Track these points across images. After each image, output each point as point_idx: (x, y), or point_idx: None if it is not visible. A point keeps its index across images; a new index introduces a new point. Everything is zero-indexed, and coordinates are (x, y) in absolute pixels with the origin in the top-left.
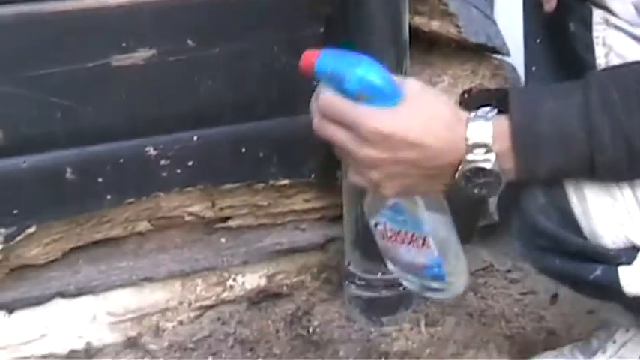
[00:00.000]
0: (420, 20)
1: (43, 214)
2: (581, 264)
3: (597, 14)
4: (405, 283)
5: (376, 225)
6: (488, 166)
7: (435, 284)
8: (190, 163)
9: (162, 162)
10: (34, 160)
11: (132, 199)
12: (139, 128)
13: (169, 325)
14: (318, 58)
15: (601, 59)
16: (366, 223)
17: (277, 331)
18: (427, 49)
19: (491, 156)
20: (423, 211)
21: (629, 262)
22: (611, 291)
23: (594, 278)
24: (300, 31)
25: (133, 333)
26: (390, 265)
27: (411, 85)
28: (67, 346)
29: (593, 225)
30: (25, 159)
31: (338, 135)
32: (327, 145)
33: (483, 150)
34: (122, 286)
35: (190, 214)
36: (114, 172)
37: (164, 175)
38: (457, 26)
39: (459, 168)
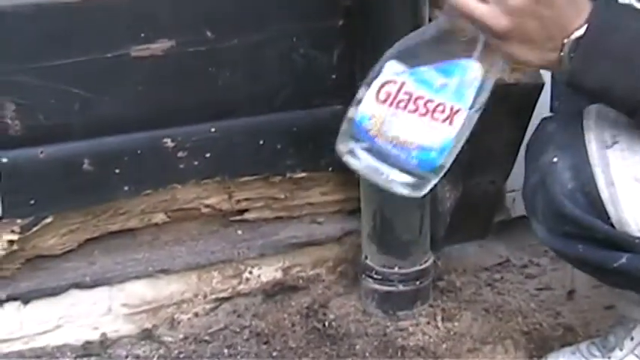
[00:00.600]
0: (440, 14)
1: (60, 205)
2: (607, 251)
3: None
4: (353, 162)
5: (383, 85)
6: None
7: (408, 177)
8: (208, 155)
9: (180, 153)
10: (51, 150)
11: (149, 191)
12: (156, 119)
13: (185, 317)
14: None
15: None
16: (383, 217)
17: (293, 325)
18: None
19: None
20: (483, 82)
21: None
22: (634, 280)
23: (619, 266)
24: (319, 23)
25: (148, 325)
26: (352, 141)
27: None
28: (82, 338)
29: (621, 212)
30: (43, 149)
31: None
32: None
33: None
34: (138, 277)
35: (207, 206)
36: (131, 164)
37: (181, 166)
38: None
39: (573, 34)
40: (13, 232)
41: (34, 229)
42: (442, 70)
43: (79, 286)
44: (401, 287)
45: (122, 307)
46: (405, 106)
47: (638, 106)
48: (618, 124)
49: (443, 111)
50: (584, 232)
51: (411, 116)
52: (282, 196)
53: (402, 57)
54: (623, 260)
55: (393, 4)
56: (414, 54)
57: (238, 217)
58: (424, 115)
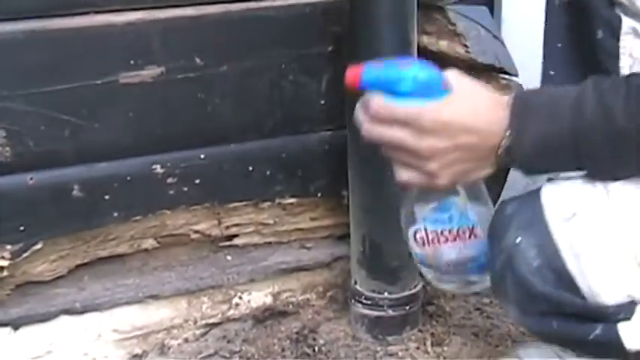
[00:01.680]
0: (428, 40)
1: (50, 231)
2: (580, 325)
3: (626, 23)
4: (443, 286)
5: (415, 234)
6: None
7: (476, 277)
8: (197, 181)
9: (169, 180)
10: (41, 176)
11: (138, 217)
12: (146, 146)
13: (175, 342)
14: (364, 70)
15: (626, 69)
16: (372, 243)
17: (283, 350)
18: None
19: None
20: (467, 202)
21: (628, 318)
22: (612, 349)
23: (594, 337)
24: (308, 49)
25: (138, 350)
26: (429, 273)
27: (454, 77)
28: None
29: (590, 282)
30: (32, 175)
31: (395, 133)
32: (334, 163)
33: None
34: (128, 303)
35: (196, 231)
36: (121, 190)
37: (171, 192)
38: (465, 46)
39: (502, 143)
40: (3, 258)
41: (24, 255)
42: (442, 209)
43: (68, 312)
44: (390, 312)
45: (112, 332)
46: (439, 241)
47: (575, 148)
48: (575, 196)
49: (464, 232)
50: (557, 308)
51: (448, 245)
52: (272, 222)
53: (413, 212)
54: (598, 331)
55: (381, 30)
56: (420, 206)
57: (227, 243)
58: (455, 240)
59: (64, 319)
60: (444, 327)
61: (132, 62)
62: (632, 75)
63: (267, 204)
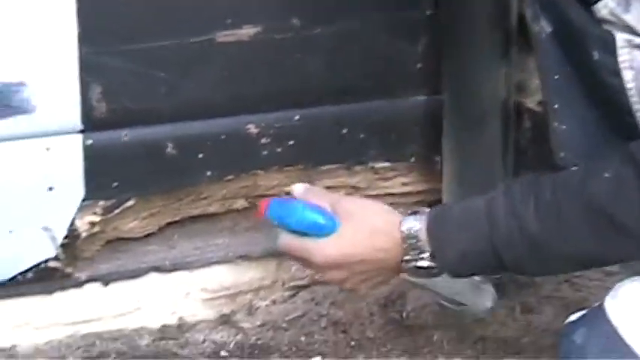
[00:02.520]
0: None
1: (142, 188)
2: None
3: (620, 38)
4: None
5: None
6: (424, 264)
7: None
8: (291, 142)
9: (263, 140)
10: (135, 133)
11: (231, 176)
12: (241, 105)
13: (263, 304)
14: (268, 205)
15: (630, 82)
16: None
17: (371, 314)
18: None
19: (425, 255)
20: None
21: None
22: None
23: None
24: (406, 12)
25: (226, 310)
26: None
27: (345, 209)
28: (159, 321)
29: None
30: (127, 132)
31: (303, 266)
32: (429, 128)
33: (417, 251)
34: (217, 263)
35: (288, 193)
36: (214, 149)
37: (264, 152)
38: None
39: (402, 266)
40: (95, 213)
41: (116, 211)
42: None
43: (158, 269)
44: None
45: (201, 291)
46: None
47: (495, 257)
48: None
49: None
50: None
51: None
52: (363, 186)
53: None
54: None
55: None
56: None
57: None
58: None
59: (153, 277)
60: (533, 297)
61: (229, 21)
62: (540, 180)
63: (359, 167)
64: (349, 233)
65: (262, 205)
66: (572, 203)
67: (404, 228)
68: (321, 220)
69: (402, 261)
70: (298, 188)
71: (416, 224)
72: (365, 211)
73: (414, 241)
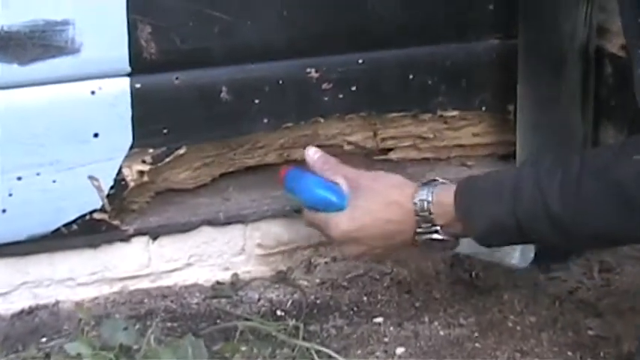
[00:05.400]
0: None
1: (194, 136)
2: None
3: None
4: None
5: None
6: (437, 237)
7: None
8: (353, 88)
9: (324, 85)
10: (187, 76)
11: (289, 124)
12: (300, 48)
13: (322, 261)
14: (286, 176)
15: None
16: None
17: (437, 274)
18: None
19: (437, 228)
20: None
21: None
22: None
23: None
24: None
25: (283, 267)
26: None
27: (360, 183)
28: (212, 278)
29: None
30: (178, 75)
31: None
32: (502, 75)
33: (429, 224)
34: (274, 216)
35: (350, 143)
36: (272, 94)
37: (325, 99)
38: None
39: (416, 239)
40: (144, 162)
41: (166, 160)
42: None
43: (211, 223)
44: None
45: (256, 247)
46: None
47: (519, 228)
48: None
49: None
50: None
51: None
52: (431, 136)
53: None
54: None
55: None
56: None
57: (382, 157)
58: None
59: (206, 231)
60: (612, 257)
61: None
62: (570, 157)
63: (427, 116)
64: (364, 207)
65: (280, 176)
66: (597, 183)
67: (416, 200)
68: (331, 197)
69: (415, 233)
70: (310, 153)
71: (429, 197)
72: (379, 184)
73: (426, 214)
